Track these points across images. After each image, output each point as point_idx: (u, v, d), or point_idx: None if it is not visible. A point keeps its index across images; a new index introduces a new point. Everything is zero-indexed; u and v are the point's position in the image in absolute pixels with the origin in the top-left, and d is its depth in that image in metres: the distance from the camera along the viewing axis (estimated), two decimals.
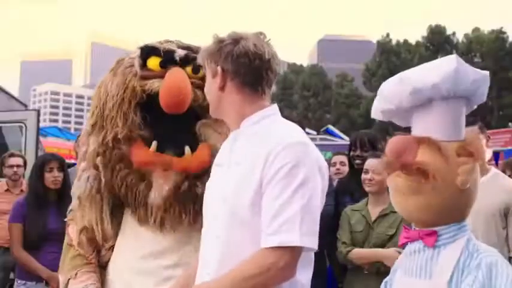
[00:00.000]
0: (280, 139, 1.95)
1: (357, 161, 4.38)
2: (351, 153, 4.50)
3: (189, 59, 2.57)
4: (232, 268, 1.91)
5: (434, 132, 1.61)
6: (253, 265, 1.88)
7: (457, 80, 1.56)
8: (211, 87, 2.12)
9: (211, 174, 2.21)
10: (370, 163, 3.89)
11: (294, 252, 1.88)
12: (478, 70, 1.62)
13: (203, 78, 2.24)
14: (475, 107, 1.70)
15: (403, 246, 1.74)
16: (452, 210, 1.59)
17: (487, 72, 1.64)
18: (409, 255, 1.67)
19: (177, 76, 2.49)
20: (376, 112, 1.76)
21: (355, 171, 4.39)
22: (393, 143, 1.66)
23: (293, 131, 2.05)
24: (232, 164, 2.06)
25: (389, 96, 1.69)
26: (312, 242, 1.91)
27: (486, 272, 1.48)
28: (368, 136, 4.54)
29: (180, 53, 2.58)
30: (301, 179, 1.90)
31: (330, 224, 3.99)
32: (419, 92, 1.61)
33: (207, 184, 2.20)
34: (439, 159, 1.57)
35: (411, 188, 1.62)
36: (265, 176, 1.92)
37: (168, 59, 2.56)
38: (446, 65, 1.58)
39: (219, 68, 2.06)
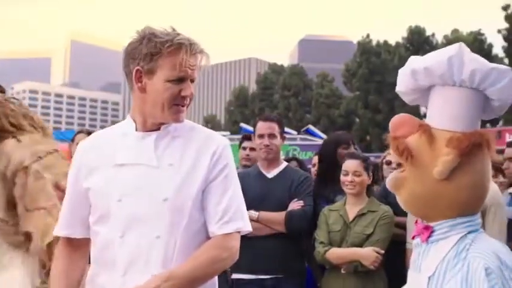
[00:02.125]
0: (218, 141, 2.20)
1: None
2: (341, 150, 4.41)
3: None
4: (195, 255, 2.06)
5: (434, 119, 1.59)
6: (219, 249, 2.10)
7: (450, 67, 1.54)
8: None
9: (106, 174, 2.14)
10: (349, 164, 3.87)
11: (240, 236, 2.18)
12: (486, 63, 1.56)
13: None
14: (503, 106, 1.62)
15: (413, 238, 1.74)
16: (437, 201, 1.56)
17: (502, 68, 1.56)
18: (414, 248, 1.68)
19: None
20: (399, 94, 1.76)
21: (338, 169, 4.39)
22: (395, 118, 1.66)
23: (215, 133, 2.30)
24: (164, 164, 2.10)
25: (400, 77, 1.69)
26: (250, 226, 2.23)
27: (462, 276, 1.45)
28: (351, 138, 4.54)
29: None
30: (237, 175, 2.24)
31: (309, 224, 4.00)
32: (416, 72, 1.60)
33: (111, 186, 2.11)
34: (424, 144, 1.56)
35: (396, 182, 1.62)
36: (211, 173, 2.13)
37: None
38: (444, 52, 1.57)
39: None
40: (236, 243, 2.14)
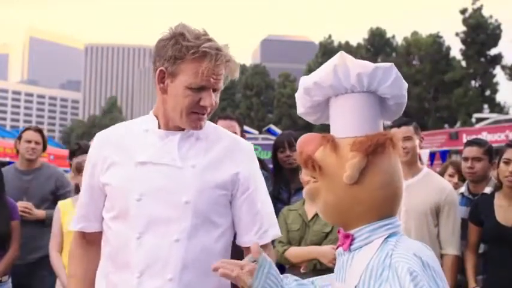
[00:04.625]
0: (244, 145, 2.22)
1: (289, 161, 4.40)
2: (279, 154, 4.47)
3: None
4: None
5: (335, 129, 1.60)
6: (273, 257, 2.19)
7: (337, 76, 1.55)
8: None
9: (127, 171, 2.08)
10: None
11: None
12: (368, 64, 1.56)
13: None
14: (401, 102, 1.64)
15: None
16: (351, 208, 1.54)
17: (381, 65, 1.57)
18: (337, 258, 1.65)
19: None
20: (302, 115, 1.77)
21: (285, 171, 4.43)
22: (301, 137, 1.66)
23: (239, 137, 2.30)
24: (187, 165, 2.05)
25: (297, 100, 1.70)
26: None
27: (390, 284, 1.40)
28: (294, 136, 4.52)
29: None
30: (263, 179, 2.26)
31: None
32: (309, 90, 1.61)
33: (128, 185, 2.06)
34: (330, 154, 1.55)
35: (309, 193, 1.62)
36: (239, 181, 2.12)
37: None
38: (327, 64, 1.57)
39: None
40: (272, 249, 2.27)
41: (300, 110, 1.70)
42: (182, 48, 1.97)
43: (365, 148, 1.50)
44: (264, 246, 2.12)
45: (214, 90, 2.05)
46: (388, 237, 1.52)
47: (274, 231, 2.23)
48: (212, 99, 2.04)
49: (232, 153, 2.15)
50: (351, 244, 1.56)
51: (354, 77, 1.54)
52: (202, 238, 2.04)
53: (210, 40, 2.00)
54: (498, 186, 3.97)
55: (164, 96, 2.07)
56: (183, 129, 2.11)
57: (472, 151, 4.44)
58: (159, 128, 2.12)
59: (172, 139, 2.08)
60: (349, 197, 1.53)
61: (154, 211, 2.00)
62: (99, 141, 2.19)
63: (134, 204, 2.01)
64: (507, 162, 3.81)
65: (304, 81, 1.63)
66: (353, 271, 1.51)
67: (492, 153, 4.48)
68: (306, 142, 1.62)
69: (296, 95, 1.69)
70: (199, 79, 1.98)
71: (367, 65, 1.56)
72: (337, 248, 1.65)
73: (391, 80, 1.57)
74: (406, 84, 1.63)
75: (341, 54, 1.57)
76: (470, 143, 4.58)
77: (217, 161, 2.10)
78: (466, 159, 4.45)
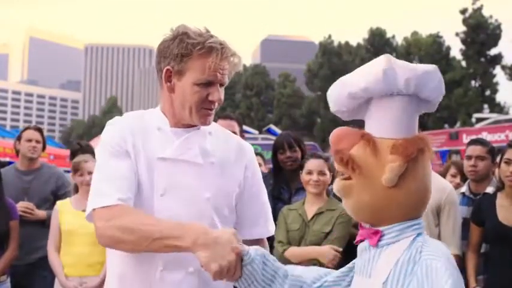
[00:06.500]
0: (249, 147, 2.31)
1: (289, 163, 4.38)
2: (279, 155, 4.44)
3: None
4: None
5: (375, 129, 1.61)
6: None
7: (387, 81, 1.56)
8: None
9: (148, 166, 2.04)
10: (314, 164, 3.90)
11: None
12: (416, 68, 1.59)
13: None
14: (437, 101, 1.67)
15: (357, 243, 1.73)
16: (385, 208, 1.57)
17: (428, 69, 1.61)
18: (359, 253, 1.67)
19: None
20: (337, 114, 1.78)
21: (286, 171, 4.41)
22: (335, 131, 1.68)
23: (240, 138, 2.42)
24: (207, 162, 2.11)
25: (334, 100, 1.70)
26: None
27: (421, 277, 1.46)
28: (293, 136, 4.52)
29: None
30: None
31: None
32: (355, 95, 1.61)
33: (164, 182, 2.04)
34: (369, 154, 1.57)
35: (342, 189, 1.63)
36: (247, 179, 2.22)
37: None
38: (375, 68, 1.58)
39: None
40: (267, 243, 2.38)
41: (339, 108, 1.70)
42: (188, 46, 2.00)
43: (408, 154, 1.53)
44: (261, 241, 2.29)
45: (221, 85, 2.09)
46: (416, 236, 1.57)
47: (273, 227, 2.38)
48: (220, 94, 2.08)
49: (241, 151, 2.25)
50: (379, 240, 1.59)
51: (402, 82, 1.56)
52: None
53: (213, 36, 2.05)
54: (500, 187, 3.97)
55: (171, 95, 2.10)
56: (192, 127, 2.14)
57: (475, 150, 4.43)
58: (170, 126, 2.14)
59: (189, 136, 2.12)
60: (384, 199, 1.56)
61: (177, 206, 2.03)
62: (123, 127, 2.11)
63: (158, 200, 2.03)
64: (508, 162, 3.81)
65: (349, 85, 1.63)
66: (381, 267, 1.55)
67: (494, 154, 4.47)
68: (339, 137, 1.64)
69: (333, 94, 1.69)
70: (206, 74, 2.02)
71: (415, 69, 1.58)
72: (357, 242, 1.68)
73: (435, 84, 1.61)
74: (444, 86, 1.66)
75: (388, 58, 1.59)
76: (473, 142, 4.58)
77: (231, 157, 2.19)
78: (469, 157, 4.44)
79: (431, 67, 1.61)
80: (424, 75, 1.58)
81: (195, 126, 2.15)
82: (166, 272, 2.02)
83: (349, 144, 1.61)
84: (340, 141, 1.63)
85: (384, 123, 1.59)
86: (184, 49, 2.01)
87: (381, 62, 1.57)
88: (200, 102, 2.05)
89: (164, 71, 2.06)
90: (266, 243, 2.36)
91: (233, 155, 2.21)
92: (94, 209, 1.95)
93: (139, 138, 2.10)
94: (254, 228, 2.28)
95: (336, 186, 1.66)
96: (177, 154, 2.08)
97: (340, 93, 1.65)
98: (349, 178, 1.61)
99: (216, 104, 2.09)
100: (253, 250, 1.77)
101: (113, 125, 2.15)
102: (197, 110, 2.06)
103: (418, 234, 1.57)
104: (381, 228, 1.59)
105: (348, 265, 1.83)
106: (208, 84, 2.03)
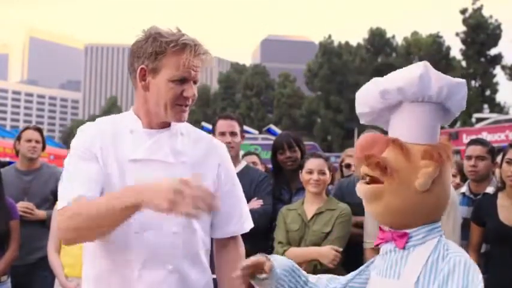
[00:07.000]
0: (222, 145, 2.38)
1: (289, 163, 4.37)
2: (279, 156, 4.43)
3: None
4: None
5: (403, 134, 1.65)
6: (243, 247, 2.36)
7: (422, 85, 1.61)
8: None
9: (121, 169, 2.09)
10: (314, 163, 3.89)
11: None
12: (449, 78, 1.66)
13: None
14: (457, 114, 1.74)
15: (378, 246, 1.77)
16: (416, 212, 1.62)
17: (460, 81, 1.68)
18: (383, 255, 1.71)
19: None
20: (359, 116, 1.80)
21: (286, 171, 4.40)
22: (363, 137, 1.72)
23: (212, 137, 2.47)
24: (178, 161, 2.14)
25: (363, 99, 1.73)
26: None
27: (448, 271, 1.53)
28: (292, 137, 4.51)
29: None
30: None
31: (269, 223, 4.01)
32: (387, 93, 1.65)
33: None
34: (401, 159, 1.60)
35: (372, 193, 1.66)
36: (221, 177, 2.27)
37: None
38: (412, 71, 1.63)
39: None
40: (242, 242, 2.40)
41: (365, 109, 1.74)
42: (162, 44, 2.05)
43: (441, 159, 1.60)
44: (235, 239, 2.34)
45: (194, 83, 2.14)
46: (439, 237, 1.64)
47: (249, 224, 2.39)
48: (194, 90, 2.13)
49: (213, 150, 2.30)
50: (406, 242, 1.64)
51: (435, 89, 1.62)
52: (197, 231, 2.17)
53: (185, 34, 2.10)
54: (501, 187, 3.97)
55: (146, 94, 2.14)
56: (165, 128, 2.18)
57: (475, 150, 4.43)
58: (143, 127, 2.18)
59: (161, 137, 2.16)
60: (416, 203, 1.62)
61: None
62: (92, 132, 2.17)
63: None
64: (510, 162, 3.81)
65: (384, 83, 1.68)
66: (411, 268, 1.61)
67: (494, 154, 4.47)
68: (370, 142, 1.68)
69: (363, 94, 1.73)
70: (181, 71, 2.07)
71: (448, 79, 1.66)
72: (377, 245, 1.73)
73: (462, 95, 1.69)
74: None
75: (425, 64, 1.66)
76: (473, 142, 4.57)
77: (203, 156, 2.23)
78: (469, 157, 4.43)
79: (462, 80, 1.69)
80: (455, 85, 1.66)
81: (168, 126, 2.19)
82: (145, 270, 2.05)
83: (380, 149, 1.65)
84: (372, 147, 1.66)
85: (413, 128, 1.65)
86: (158, 47, 2.05)
87: (419, 67, 1.64)
88: (175, 98, 2.09)
89: (138, 70, 2.10)
90: (240, 240, 2.38)
91: (205, 154, 2.25)
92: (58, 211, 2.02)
93: (110, 143, 2.13)
94: (227, 227, 2.31)
95: (363, 191, 1.69)
96: (148, 154, 2.13)
97: (371, 91, 1.70)
98: (375, 182, 1.65)
99: (190, 100, 2.13)
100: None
101: (83, 131, 2.20)
102: (172, 106, 2.10)
103: (441, 236, 1.65)
104: (408, 231, 1.64)
105: (361, 268, 1.88)
106: (182, 81, 2.09)
